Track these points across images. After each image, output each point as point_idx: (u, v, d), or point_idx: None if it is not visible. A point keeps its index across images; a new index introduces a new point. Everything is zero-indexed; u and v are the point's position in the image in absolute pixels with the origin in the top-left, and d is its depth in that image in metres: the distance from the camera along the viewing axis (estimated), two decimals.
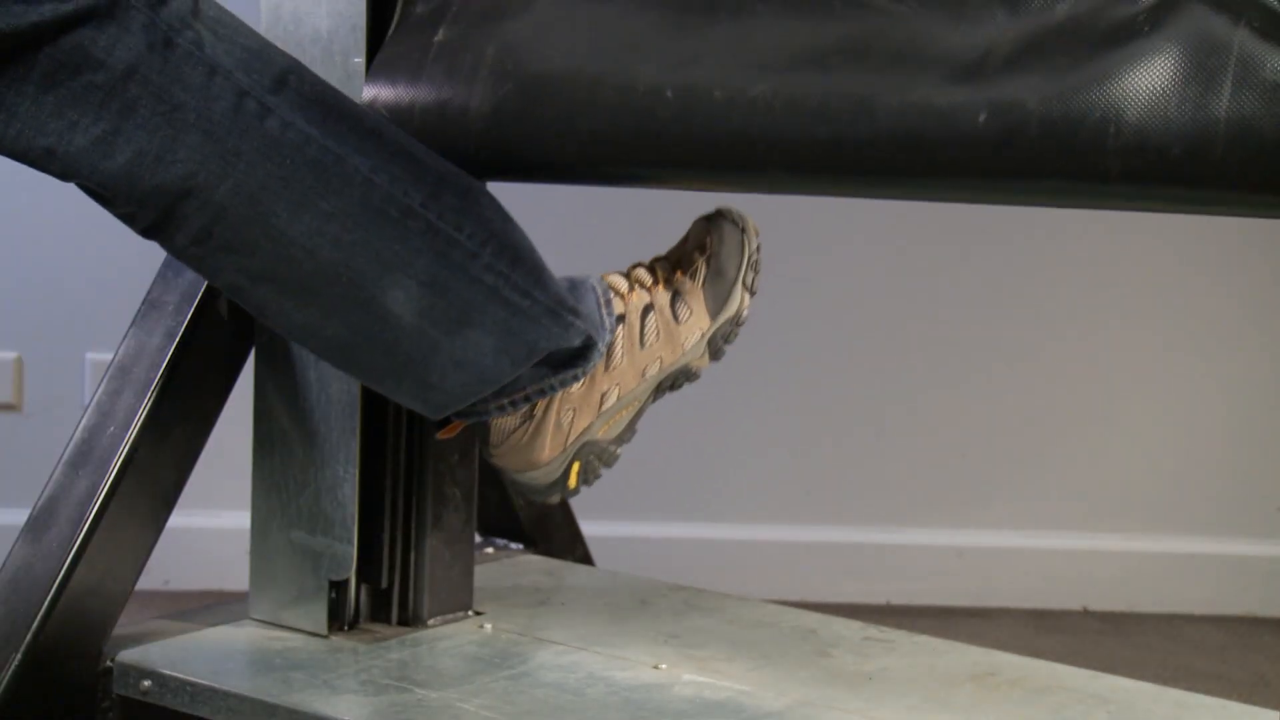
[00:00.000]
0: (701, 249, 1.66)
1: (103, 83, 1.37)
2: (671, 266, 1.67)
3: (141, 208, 1.42)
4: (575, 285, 1.59)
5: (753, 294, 1.66)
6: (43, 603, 1.56)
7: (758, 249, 1.67)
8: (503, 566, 1.97)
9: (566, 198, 2.74)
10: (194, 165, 1.40)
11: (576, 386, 1.59)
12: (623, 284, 1.64)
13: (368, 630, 1.72)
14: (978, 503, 2.78)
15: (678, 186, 1.57)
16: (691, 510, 2.78)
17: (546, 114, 1.50)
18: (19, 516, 1.64)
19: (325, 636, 1.69)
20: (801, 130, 1.37)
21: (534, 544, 2.05)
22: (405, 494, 1.73)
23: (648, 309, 1.62)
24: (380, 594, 1.74)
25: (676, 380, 1.66)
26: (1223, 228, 2.74)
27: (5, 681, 1.54)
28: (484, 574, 1.87)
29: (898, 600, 2.75)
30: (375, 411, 1.71)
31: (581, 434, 1.61)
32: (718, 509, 2.78)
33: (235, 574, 2.20)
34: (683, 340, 1.63)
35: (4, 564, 1.60)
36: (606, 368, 1.60)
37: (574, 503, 2.10)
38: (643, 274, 1.65)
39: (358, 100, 1.58)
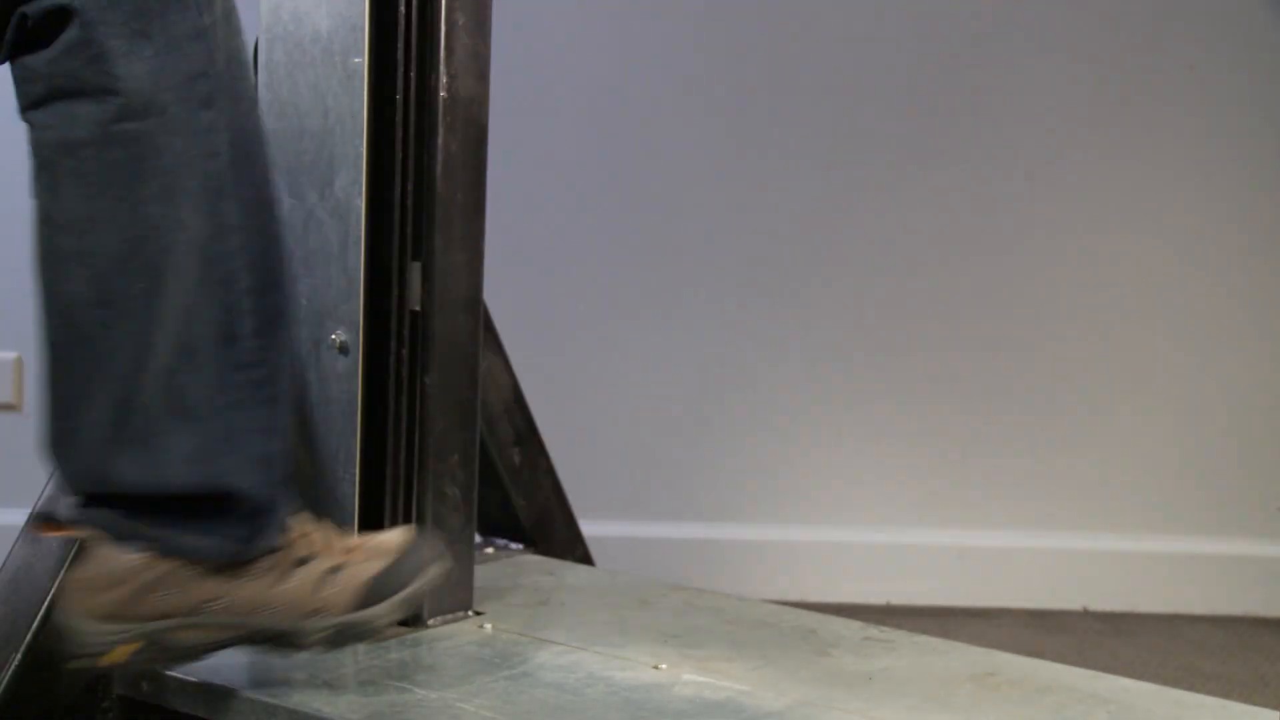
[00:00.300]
0: (392, 551, 1.56)
1: None
2: (353, 547, 1.56)
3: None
4: (282, 495, 1.51)
5: (399, 622, 1.59)
6: (43, 603, 1.56)
7: (427, 589, 1.59)
8: (503, 566, 1.97)
9: (578, 154, 2.74)
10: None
11: (188, 574, 1.47)
12: (304, 529, 1.54)
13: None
14: (978, 503, 2.78)
15: None
16: (691, 510, 2.78)
17: None
18: (19, 516, 1.64)
19: None
20: None
21: (534, 544, 2.05)
22: (405, 494, 1.73)
23: (306, 560, 1.51)
24: None
25: (280, 638, 1.51)
26: (1224, 229, 2.74)
27: (5, 681, 1.54)
28: (484, 574, 1.87)
29: (898, 600, 2.75)
30: (375, 411, 1.71)
31: (158, 620, 1.47)
32: (718, 509, 2.78)
33: None
34: (309, 608, 1.51)
35: (4, 564, 1.60)
36: (231, 577, 1.48)
37: (574, 503, 2.10)
38: (324, 533, 1.56)
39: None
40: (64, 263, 1.41)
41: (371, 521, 1.71)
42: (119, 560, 1.45)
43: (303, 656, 1.58)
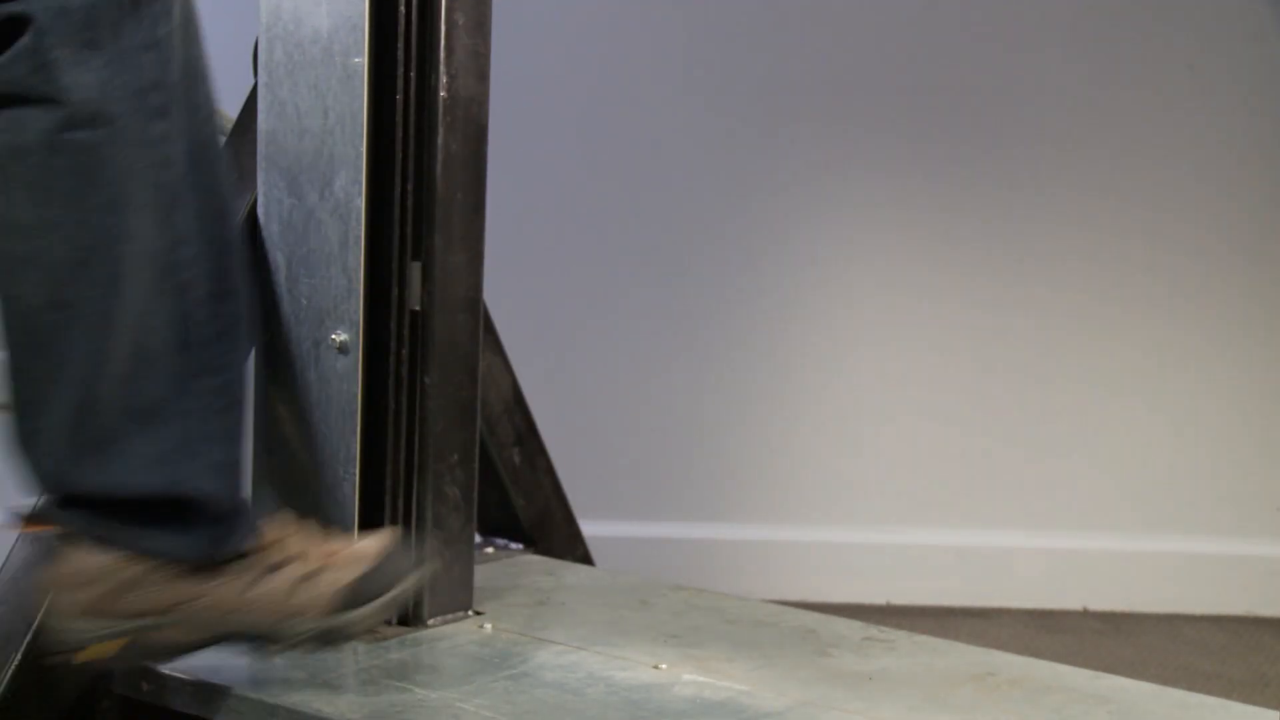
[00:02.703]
0: (371, 558, 1.56)
1: None
2: (333, 552, 1.56)
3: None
4: (242, 500, 1.52)
5: (373, 629, 1.59)
6: (43, 603, 1.56)
7: (408, 596, 1.59)
8: (503, 566, 1.97)
9: (576, 152, 2.74)
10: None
11: (162, 574, 1.47)
12: (275, 534, 1.54)
13: (368, 630, 1.72)
14: (978, 503, 2.78)
15: None
16: (691, 510, 2.78)
17: None
18: None
19: None
20: None
21: (534, 544, 2.05)
22: (405, 494, 1.73)
23: (283, 564, 1.52)
24: None
25: (259, 639, 1.52)
26: (1223, 229, 2.75)
27: (5, 681, 1.54)
28: (484, 574, 1.87)
29: (898, 600, 2.75)
30: (375, 411, 1.71)
31: (135, 619, 1.47)
32: (718, 509, 2.78)
33: None
34: (286, 611, 1.51)
35: (4, 564, 1.60)
36: (206, 578, 1.49)
37: (574, 503, 2.10)
38: (301, 537, 1.56)
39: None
40: (17, 266, 1.41)
41: (371, 521, 1.71)
42: (94, 559, 1.46)
43: (296, 656, 1.59)
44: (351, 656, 1.64)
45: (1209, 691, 1.67)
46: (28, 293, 1.41)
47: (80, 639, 1.47)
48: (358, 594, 1.53)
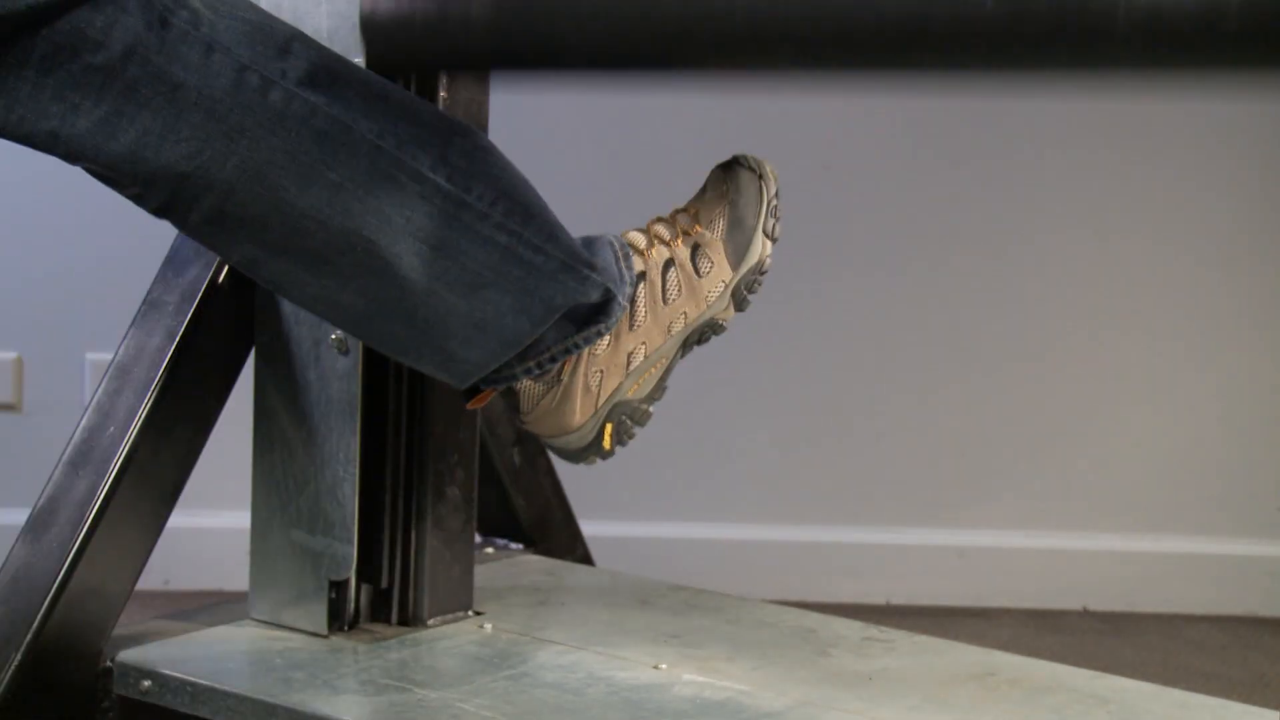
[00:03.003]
0: (720, 198, 1.64)
1: (102, 64, 1.37)
2: (691, 219, 1.64)
3: (149, 188, 1.42)
4: (591, 241, 1.58)
5: (774, 241, 1.64)
6: (43, 603, 1.56)
7: (776, 194, 1.65)
8: (503, 566, 1.97)
9: (581, 156, 2.74)
10: (198, 144, 1.40)
11: (602, 346, 1.59)
12: (641, 240, 1.62)
13: (368, 630, 1.72)
14: (978, 503, 2.78)
15: (685, 78, 1.55)
16: (691, 510, 2.78)
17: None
18: (19, 516, 1.64)
19: (325, 636, 1.69)
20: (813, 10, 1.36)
21: (534, 544, 2.05)
22: (405, 494, 1.73)
23: (669, 264, 1.61)
24: (380, 594, 1.74)
25: (703, 334, 1.65)
26: (1224, 229, 2.74)
27: (5, 681, 1.54)
28: (484, 574, 1.87)
29: (898, 600, 2.75)
30: (375, 411, 1.71)
31: (611, 395, 1.61)
32: (718, 509, 2.78)
33: (235, 574, 2.20)
34: (706, 293, 1.62)
35: (4, 564, 1.60)
36: (631, 326, 1.59)
37: (574, 503, 2.10)
38: (661, 229, 1.64)
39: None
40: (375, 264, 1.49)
41: (372, 521, 1.71)
42: (544, 387, 1.58)
43: (318, 645, 1.61)
44: (351, 656, 1.64)
45: (1209, 691, 1.67)
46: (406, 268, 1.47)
47: (590, 441, 1.62)
48: (738, 243, 1.63)
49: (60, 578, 1.57)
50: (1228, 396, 2.77)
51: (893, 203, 2.74)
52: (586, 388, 1.60)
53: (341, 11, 1.65)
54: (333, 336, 1.68)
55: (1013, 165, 2.73)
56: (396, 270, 1.47)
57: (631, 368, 1.61)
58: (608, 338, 1.59)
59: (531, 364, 1.56)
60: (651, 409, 1.66)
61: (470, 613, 1.77)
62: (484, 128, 1.73)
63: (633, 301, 1.59)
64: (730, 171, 1.65)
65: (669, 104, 2.71)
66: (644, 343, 1.61)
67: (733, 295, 1.64)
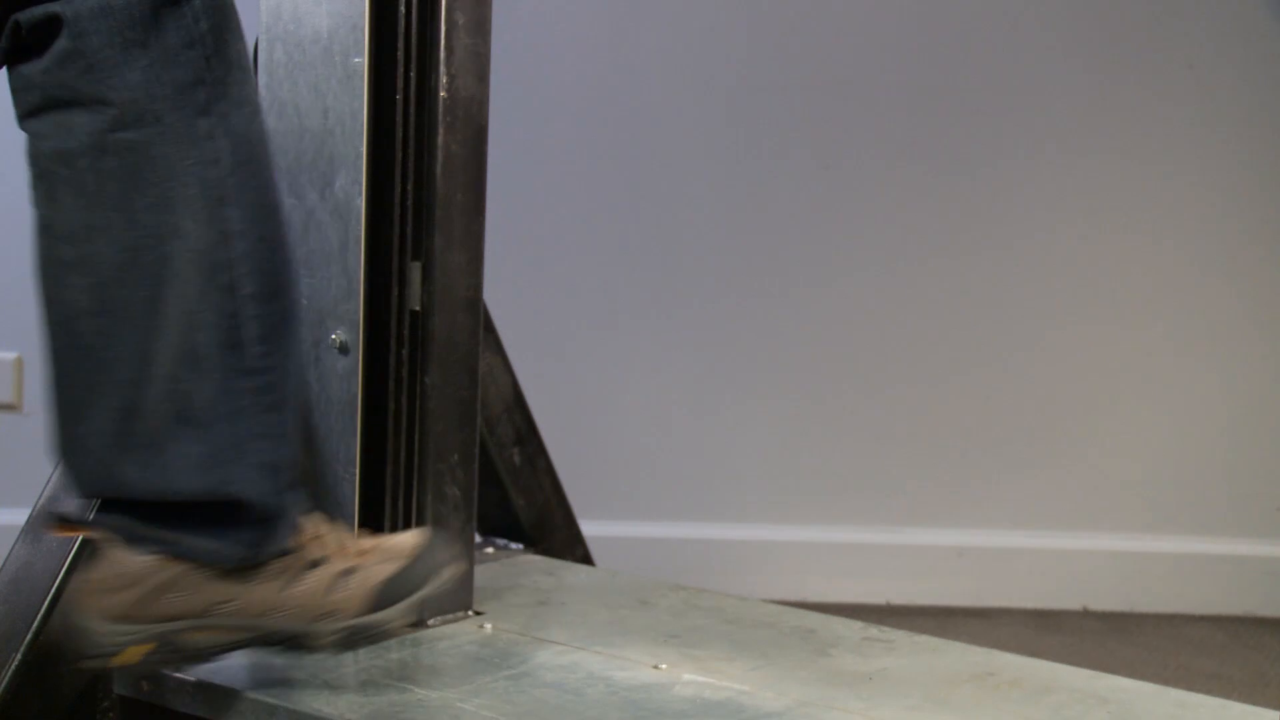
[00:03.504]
0: (403, 553, 1.56)
1: None
2: (367, 550, 1.56)
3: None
4: (291, 489, 1.51)
5: (411, 624, 1.58)
6: (43, 603, 1.56)
7: (438, 593, 1.58)
8: (503, 566, 1.97)
9: (581, 156, 2.74)
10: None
11: (199, 576, 1.47)
12: (313, 530, 1.54)
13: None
14: (978, 503, 2.78)
15: None
16: (691, 510, 2.78)
17: None
18: (19, 516, 1.64)
19: None
20: None
21: (534, 544, 2.05)
22: (405, 494, 1.73)
23: (319, 563, 1.52)
24: None
25: (292, 640, 1.52)
26: (1224, 229, 2.75)
27: (5, 681, 1.54)
28: (484, 574, 1.87)
29: (898, 600, 2.75)
30: (375, 411, 1.71)
31: (170, 621, 1.47)
32: (718, 509, 2.78)
33: None
34: (321, 610, 1.51)
35: (4, 564, 1.60)
36: (242, 579, 1.48)
37: (574, 503, 2.10)
38: (339, 534, 1.56)
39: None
40: (64, 272, 1.41)
41: (372, 521, 1.71)
42: (131, 562, 1.45)
43: (308, 657, 1.58)
44: (352, 656, 1.64)
45: (1209, 691, 1.67)
46: (73, 298, 1.41)
47: (116, 643, 1.45)
48: (392, 592, 1.53)
49: (60, 578, 1.57)
50: (1228, 397, 2.78)
51: (893, 203, 2.74)
52: (154, 595, 1.46)
53: (341, 12, 1.65)
54: (333, 337, 1.68)
55: (1013, 166, 2.74)
56: (152, 340, 1.40)
57: (209, 618, 1.48)
58: (213, 568, 1.47)
59: (139, 530, 1.45)
60: (194, 661, 1.52)
61: (470, 613, 1.77)
62: (484, 127, 1.73)
63: (257, 564, 1.49)
64: (430, 541, 1.59)
65: (669, 103, 2.72)
66: (240, 603, 1.48)
67: (344, 632, 1.53)
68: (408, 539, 1.58)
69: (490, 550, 2.03)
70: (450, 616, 1.76)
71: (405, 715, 1.50)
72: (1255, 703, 1.62)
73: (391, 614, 1.54)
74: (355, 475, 1.68)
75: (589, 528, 2.12)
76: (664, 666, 1.64)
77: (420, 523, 1.72)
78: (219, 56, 1.42)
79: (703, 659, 1.66)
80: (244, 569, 1.48)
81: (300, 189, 1.69)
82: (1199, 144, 2.73)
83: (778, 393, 2.77)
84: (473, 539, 1.78)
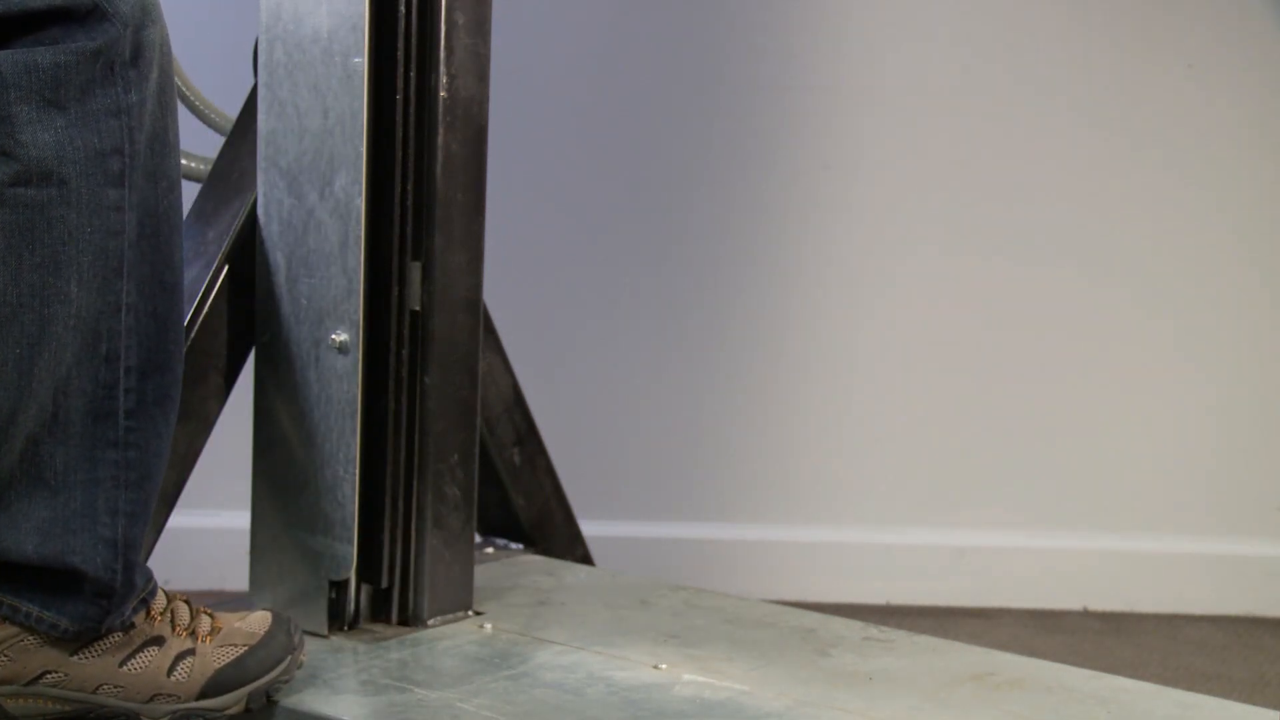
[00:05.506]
0: (252, 635, 1.53)
1: None
2: (211, 631, 1.53)
3: None
4: (137, 566, 1.48)
5: (250, 710, 1.54)
6: None
7: (289, 679, 1.55)
8: (503, 566, 1.97)
9: (580, 156, 2.74)
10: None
11: (27, 643, 1.43)
12: (164, 604, 1.52)
13: (368, 630, 1.72)
14: (978, 503, 2.78)
15: None
16: (691, 510, 2.78)
17: None
18: None
19: (325, 636, 1.69)
20: None
21: (534, 544, 2.05)
22: (405, 494, 1.73)
23: (155, 641, 1.49)
24: (380, 594, 1.74)
25: (117, 716, 1.48)
26: (1224, 229, 2.74)
27: None
28: (484, 574, 1.87)
29: (898, 600, 2.75)
30: (375, 411, 1.71)
31: (2, 685, 1.44)
32: (718, 509, 2.78)
33: (235, 574, 2.20)
34: (155, 690, 1.48)
35: None
36: (75, 652, 1.45)
37: (574, 503, 2.10)
38: (185, 613, 1.53)
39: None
40: None
41: (372, 521, 1.71)
42: None
43: (318, 645, 1.58)
44: (351, 656, 1.64)
45: (1209, 691, 1.67)
46: None
47: None
48: (227, 680, 1.50)
49: None
50: (1228, 396, 2.77)
51: (893, 203, 2.74)
52: None
53: (341, 12, 1.65)
54: (333, 337, 1.68)
55: (1012, 166, 2.73)
56: (15, 397, 1.38)
57: (35, 686, 1.45)
58: (44, 636, 1.44)
59: None
60: None
61: (470, 613, 1.77)
62: (484, 127, 1.74)
63: (93, 637, 1.45)
64: (278, 625, 1.55)
65: (669, 105, 2.71)
66: (64, 674, 1.45)
67: (177, 712, 1.49)
68: (257, 621, 1.54)
69: (490, 550, 2.03)
70: (450, 616, 1.76)
71: (405, 715, 1.50)
72: (1255, 703, 1.62)
73: (223, 702, 1.50)
74: (355, 475, 1.68)
75: (589, 528, 2.12)
76: (664, 666, 1.64)
77: (420, 523, 1.73)
78: (144, 129, 1.41)
79: (703, 659, 1.66)
80: (77, 641, 1.45)
81: (300, 189, 1.69)
82: (1198, 143, 2.73)
83: (777, 392, 2.77)
84: (473, 539, 1.78)
